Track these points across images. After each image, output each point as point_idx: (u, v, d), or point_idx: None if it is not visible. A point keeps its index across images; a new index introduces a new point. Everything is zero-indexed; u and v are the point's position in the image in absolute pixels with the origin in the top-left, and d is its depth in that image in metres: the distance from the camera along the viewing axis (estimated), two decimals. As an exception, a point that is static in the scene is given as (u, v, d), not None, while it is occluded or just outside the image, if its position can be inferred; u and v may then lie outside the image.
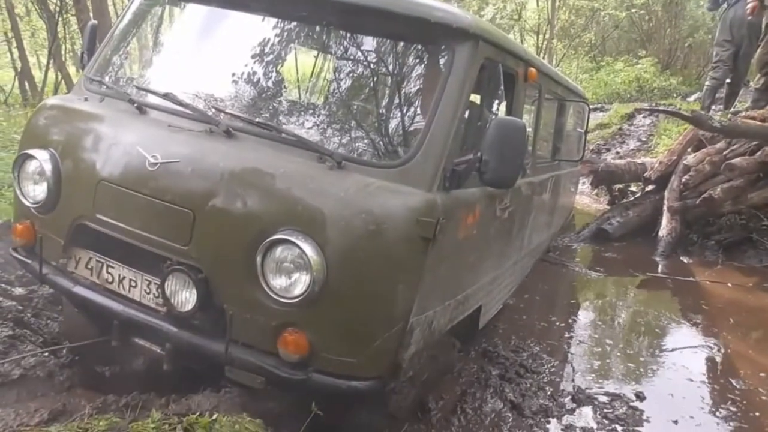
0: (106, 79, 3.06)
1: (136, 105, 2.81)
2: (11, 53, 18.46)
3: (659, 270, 6.46)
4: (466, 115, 2.76)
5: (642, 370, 4.19)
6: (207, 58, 3.05)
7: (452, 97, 2.57)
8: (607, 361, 4.32)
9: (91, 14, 9.11)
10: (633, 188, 8.54)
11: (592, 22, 20.47)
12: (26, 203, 2.87)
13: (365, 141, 2.68)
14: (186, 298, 2.51)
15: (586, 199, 9.26)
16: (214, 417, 2.45)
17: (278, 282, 2.37)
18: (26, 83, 14.70)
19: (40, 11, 14.25)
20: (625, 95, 16.46)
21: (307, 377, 2.42)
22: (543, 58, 19.69)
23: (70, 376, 3.14)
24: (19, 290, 4.05)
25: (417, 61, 2.79)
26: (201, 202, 2.46)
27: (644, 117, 11.33)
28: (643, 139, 10.54)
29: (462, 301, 3.08)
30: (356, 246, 2.32)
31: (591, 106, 14.55)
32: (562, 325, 4.85)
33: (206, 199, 2.45)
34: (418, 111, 2.70)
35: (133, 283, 2.68)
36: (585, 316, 5.14)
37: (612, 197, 8.47)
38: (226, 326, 2.47)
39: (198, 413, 2.46)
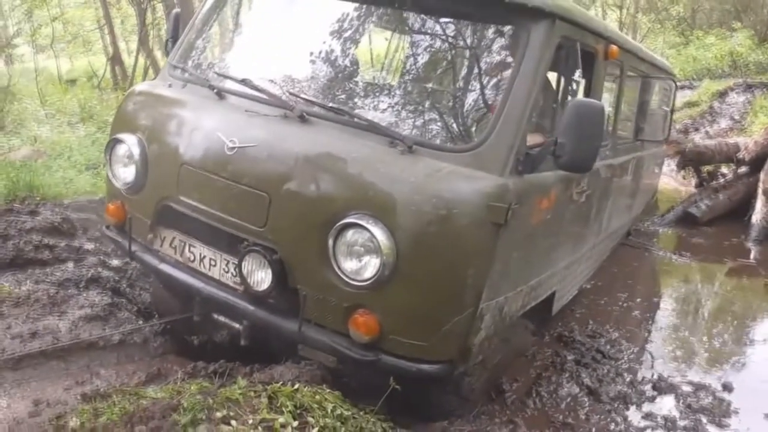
0: (189, 65, 3.17)
1: (215, 91, 2.90)
2: (103, 40, 19.51)
3: (751, 257, 6.13)
4: (542, 96, 2.70)
5: (729, 360, 4.02)
6: (282, 43, 3.11)
7: (527, 78, 2.52)
8: (692, 349, 4.17)
9: (176, 1, 9.47)
10: (724, 170, 8.08)
11: (681, -6, 19.38)
12: (116, 185, 3.04)
13: (437, 125, 2.67)
14: (262, 277, 2.60)
15: (672, 181, 8.85)
16: (296, 387, 2.57)
17: (349, 265, 2.41)
18: (117, 68, 15.48)
19: (129, -1, 14.88)
20: (716, 71, 15.49)
21: (377, 358, 2.46)
22: (626, 33, 18.87)
23: (162, 343, 3.35)
24: (115, 262, 4.35)
25: (491, 41, 2.75)
26: (276, 186, 2.53)
27: (738, 94, 10.66)
28: (736, 117, 9.94)
29: (535, 287, 3.04)
30: (426, 231, 2.32)
31: (678, 84, 13.92)
32: (643, 311, 4.70)
33: (281, 182, 2.52)
34: (492, 93, 2.66)
35: (213, 262, 2.81)
36: (668, 303, 4.97)
37: (700, 179, 8.07)
38: (300, 306, 2.55)
39: (281, 382, 2.58)
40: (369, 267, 2.37)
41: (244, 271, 2.62)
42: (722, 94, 11.15)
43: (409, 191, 2.34)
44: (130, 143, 2.94)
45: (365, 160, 2.44)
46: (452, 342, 2.49)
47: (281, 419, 2.35)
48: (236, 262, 2.65)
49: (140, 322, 3.55)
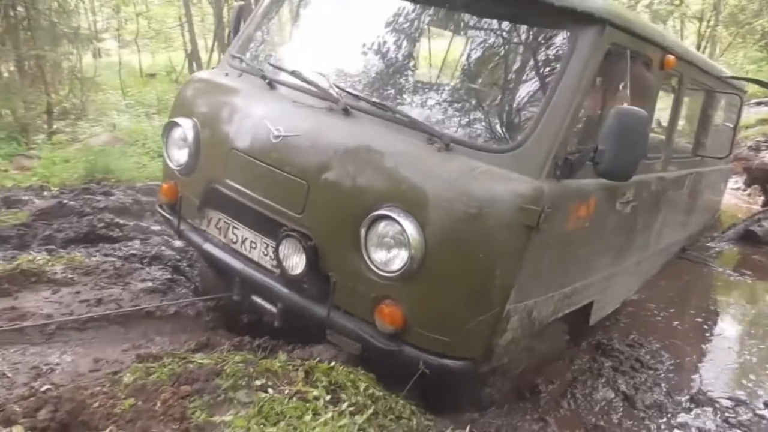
0: (247, 56, 3.32)
1: (267, 81, 3.05)
2: (183, 37, 20.39)
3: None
4: (587, 103, 2.69)
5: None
6: (335, 38, 3.22)
7: (570, 83, 2.52)
8: (738, 368, 4.06)
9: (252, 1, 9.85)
10: (793, 190, 7.75)
11: (767, 6, 18.51)
12: (171, 165, 3.23)
13: (476, 125, 2.70)
14: (296, 262, 2.70)
15: (737, 199, 8.53)
16: (332, 365, 2.72)
17: (379, 255, 2.48)
18: (194, 64, 16.20)
19: (208, -3, 15.51)
20: (798, 89, 14.76)
21: (399, 349, 2.52)
22: (705, 46, 18.21)
23: (214, 318, 3.57)
24: (177, 243, 4.64)
25: (538, 45, 2.74)
26: (315, 174, 2.63)
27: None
28: (813, 137, 9.46)
29: (569, 295, 3.01)
30: (456, 228, 2.36)
31: (756, 100, 13.34)
32: (691, 325, 4.60)
33: (320, 171, 2.62)
34: (534, 97, 2.66)
35: (253, 245, 2.95)
36: (720, 320, 4.83)
37: (767, 198, 7.75)
38: (330, 292, 2.65)
39: (318, 359, 2.73)
40: (397, 259, 2.43)
41: (281, 255, 2.73)
42: (801, 112, 10.64)
43: (441, 187, 2.38)
44: (185, 126, 3.11)
45: (402, 154, 2.51)
46: (476, 340, 2.52)
47: (315, 392, 2.48)
48: (274, 246, 2.76)
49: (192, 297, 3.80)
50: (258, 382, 2.49)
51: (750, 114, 12.03)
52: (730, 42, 18.96)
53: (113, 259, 4.12)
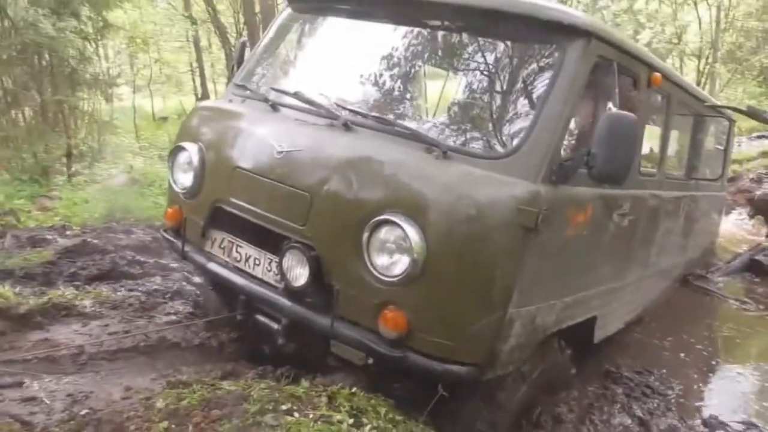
0: (250, 84, 3.48)
1: (270, 104, 3.19)
2: (194, 81, 20.92)
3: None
4: (578, 113, 2.80)
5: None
6: (333, 61, 3.39)
7: (561, 93, 2.65)
8: (746, 394, 4.16)
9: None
10: (797, 220, 7.87)
11: (764, 44, 18.91)
12: (176, 189, 3.32)
13: (472, 133, 2.83)
14: (299, 273, 2.75)
15: (741, 230, 8.64)
16: (354, 390, 2.83)
17: (381, 260, 2.53)
18: (205, 107, 16.52)
19: (221, 42, 16.00)
20: (799, 122, 14.95)
21: (404, 355, 2.54)
22: (705, 83, 18.53)
23: (237, 348, 3.69)
24: (197, 279, 4.79)
25: (529, 57, 2.89)
26: (318, 186, 2.72)
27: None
28: (815, 168, 9.64)
29: (571, 305, 3.06)
30: (456, 230, 2.43)
31: (757, 134, 13.54)
32: (699, 353, 4.70)
33: (322, 183, 2.70)
34: (527, 106, 2.79)
35: (257, 262, 3.02)
36: (726, 348, 4.93)
37: (771, 229, 7.88)
38: (333, 302, 2.68)
39: (340, 385, 2.85)
40: (399, 263, 2.48)
41: (284, 267, 2.78)
42: (801, 145, 10.84)
43: (440, 191, 2.47)
44: (191, 151, 3.21)
45: (401, 163, 2.61)
46: (480, 344, 2.55)
47: (338, 416, 2.59)
48: (278, 260, 2.82)
49: (216, 331, 3.93)
50: (284, 407, 2.60)
51: (752, 147, 12.26)
52: (730, 78, 19.29)
53: (137, 293, 4.28)
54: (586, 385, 3.79)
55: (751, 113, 6.50)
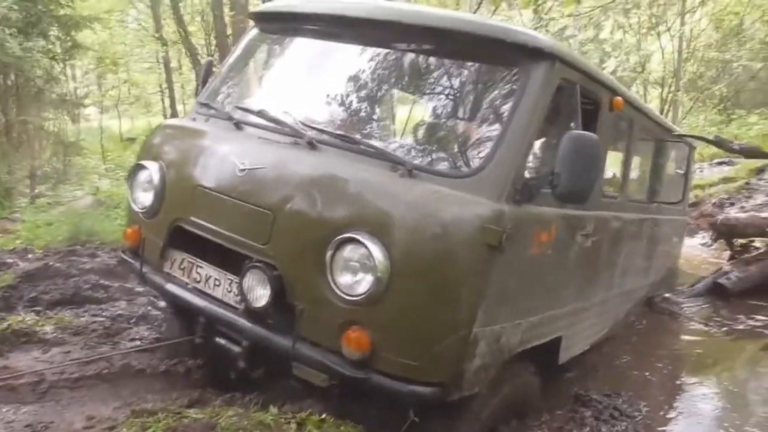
0: (216, 103, 3.45)
1: (234, 122, 3.16)
2: (163, 102, 20.79)
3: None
4: (542, 134, 2.86)
5: (748, 425, 4.03)
6: (298, 82, 3.39)
7: (525, 114, 2.68)
8: (711, 416, 4.20)
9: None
10: (757, 243, 8.08)
11: (723, 73, 19.61)
12: (135, 209, 3.25)
13: (438, 153, 2.86)
14: (261, 294, 2.68)
15: (705, 254, 8.86)
16: (323, 417, 2.79)
17: (344, 279, 2.49)
18: (174, 128, 16.43)
19: (192, 64, 15.97)
20: (757, 149, 15.48)
21: (367, 377, 2.50)
22: (668, 110, 19.09)
23: (203, 375, 3.61)
24: (162, 303, 4.70)
25: (493, 78, 2.95)
26: (280, 204, 2.68)
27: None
28: (773, 193, 9.96)
29: (536, 325, 3.06)
30: (421, 249, 2.41)
31: (718, 160, 13.96)
32: (665, 375, 4.76)
33: (285, 201, 2.67)
34: (492, 127, 2.82)
35: (217, 282, 2.95)
36: (692, 369, 5.01)
37: (733, 252, 8.07)
38: (295, 323, 2.62)
39: (309, 411, 2.80)
40: (363, 282, 2.45)
41: (245, 287, 2.72)
42: (760, 171, 11.18)
43: (405, 209, 2.47)
44: (152, 169, 3.15)
45: (366, 181, 2.60)
46: (445, 364, 2.52)
47: (309, 444, 2.58)
48: (238, 281, 2.76)
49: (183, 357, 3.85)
50: (252, 435, 2.57)
51: (713, 173, 12.62)
52: (692, 106, 19.90)
53: (101, 319, 4.17)
54: (554, 408, 3.80)
55: (718, 143, 6.74)
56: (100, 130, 15.47)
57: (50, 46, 9.12)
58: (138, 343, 3.81)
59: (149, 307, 4.59)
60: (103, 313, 4.38)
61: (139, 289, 5.07)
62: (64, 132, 10.78)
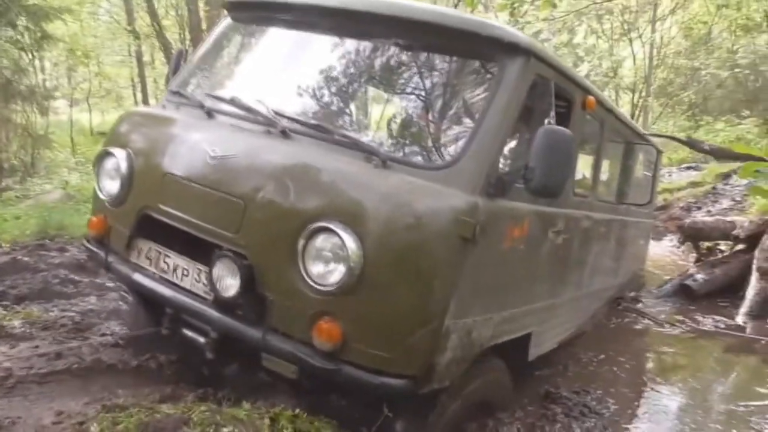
0: (187, 91, 3.38)
1: (206, 110, 3.11)
2: (135, 96, 20.49)
3: (746, 331, 6.26)
4: (516, 129, 2.87)
5: (717, 429, 4.14)
6: (271, 72, 3.34)
7: (500, 108, 2.70)
8: (678, 413, 4.31)
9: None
10: (722, 247, 8.30)
11: (692, 81, 20.07)
12: (101, 197, 3.16)
13: (412, 145, 2.86)
14: (230, 284, 2.64)
15: (673, 255, 9.07)
16: (296, 412, 2.79)
17: (316, 269, 2.46)
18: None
19: (165, 58, 15.78)
20: (723, 155, 15.89)
21: (338, 368, 2.47)
22: (639, 115, 19.48)
23: (176, 371, 3.58)
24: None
25: (468, 71, 2.95)
26: (252, 193, 2.64)
27: (741, 177, 10.98)
28: (738, 198, 10.22)
29: (508, 319, 3.07)
30: (394, 239, 2.41)
31: (686, 165, 14.30)
32: (632, 374, 4.86)
33: (257, 189, 2.63)
34: (466, 120, 2.83)
35: (185, 272, 2.89)
36: (659, 368, 5.12)
37: (699, 255, 8.28)
38: (265, 313, 2.59)
39: (282, 407, 2.80)
40: (335, 272, 2.43)
41: (214, 277, 2.67)
42: (726, 176, 11.48)
43: (379, 200, 2.46)
44: (119, 157, 3.08)
45: (340, 171, 2.58)
46: (416, 356, 2.51)
47: (282, 440, 2.58)
48: (207, 270, 2.72)
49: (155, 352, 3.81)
50: (225, 430, 2.55)
51: (681, 177, 12.93)
52: (661, 111, 20.34)
53: (71, 314, 4.11)
54: (525, 405, 3.85)
55: (690, 143, 6.94)
56: (70, 123, 15.17)
57: (18, 37, 8.90)
58: (110, 338, 3.74)
59: (120, 302, 4.52)
60: (73, 308, 4.31)
61: (110, 284, 5.01)
62: (32, 124, 10.52)
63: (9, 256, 5.27)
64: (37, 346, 3.48)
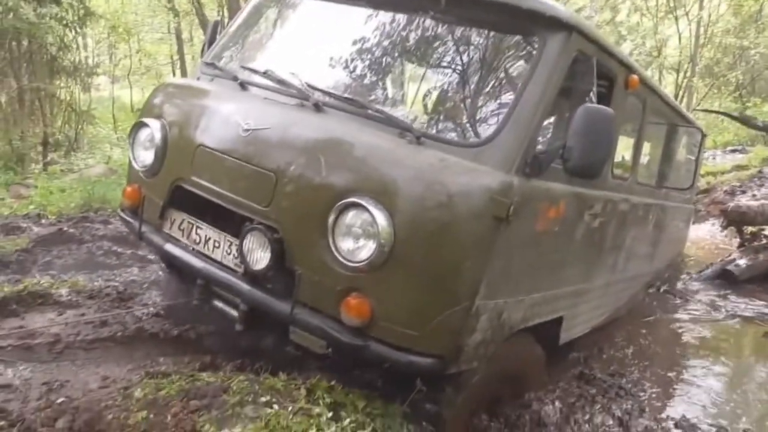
0: (221, 63, 3.37)
1: (239, 82, 3.10)
2: (174, 73, 20.73)
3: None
4: (557, 108, 2.77)
5: (756, 414, 4.07)
6: (306, 44, 3.29)
7: (538, 84, 2.60)
8: (715, 398, 4.23)
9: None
10: (767, 232, 8.06)
11: (740, 60, 19.37)
12: (136, 167, 3.19)
13: (447, 121, 2.79)
14: (260, 256, 2.62)
15: (715, 240, 8.85)
16: (333, 383, 2.84)
17: (346, 244, 2.43)
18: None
19: (204, 35, 15.88)
20: (770, 138, 15.37)
21: (365, 344, 2.45)
22: (683, 96, 18.91)
23: (215, 341, 3.67)
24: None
25: (508, 46, 2.84)
26: (284, 166, 2.60)
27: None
28: (785, 183, 9.93)
29: (539, 302, 3.00)
30: (426, 217, 2.35)
31: (731, 148, 13.88)
32: (670, 358, 4.80)
33: (289, 163, 2.60)
34: (503, 97, 2.72)
35: (216, 244, 2.88)
36: (696, 354, 5.03)
37: (742, 240, 8.05)
38: (295, 287, 2.57)
39: (318, 377, 2.85)
40: (365, 248, 2.39)
41: (245, 249, 2.66)
42: (774, 160, 11.15)
43: (411, 177, 2.39)
44: (153, 127, 3.08)
45: (372, 146, 2.52)
46: (445, 336, 2.47)
47: (317, 409, 2.60)
48: (238, 243, 2.70)
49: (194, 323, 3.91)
50: (263, 399, 2.60)
51: (726, 160, 12.57)
52: (706, 92, 19.72)
53: (115, 284, 4.23)
54: (561, 386, 3.84)
55: (743, 120, 6.71)
56: (112, 99, 15.45)
57: (63, 13, 9.07)
58: (151, 308, 3.85)
59: (161, 273, 4.63)
60: (116, 279, 4.44)
61: (151, 257, 5.14)
62: (76, 100, 10.75)
63: (55, 228, 5.46)
64: (83, 314, 3.60)
